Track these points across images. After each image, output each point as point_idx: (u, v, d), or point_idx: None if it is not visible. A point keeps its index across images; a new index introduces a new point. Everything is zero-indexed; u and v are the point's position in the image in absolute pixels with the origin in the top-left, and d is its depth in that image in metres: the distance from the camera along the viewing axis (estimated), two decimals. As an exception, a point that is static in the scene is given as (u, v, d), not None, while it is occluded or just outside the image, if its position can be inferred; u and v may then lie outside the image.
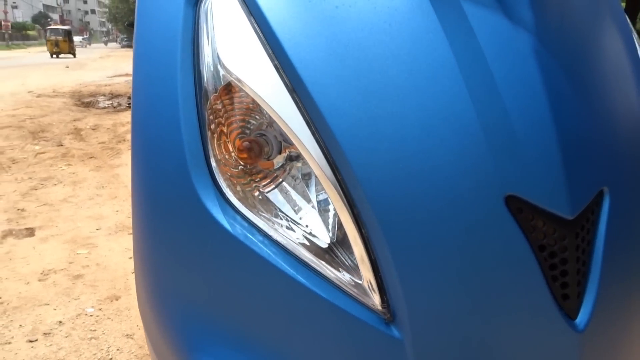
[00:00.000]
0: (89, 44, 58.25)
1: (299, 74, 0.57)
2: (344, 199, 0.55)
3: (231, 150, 0.62)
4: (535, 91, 0.57)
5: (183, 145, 0.62)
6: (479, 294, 0.54)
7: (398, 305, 0.55)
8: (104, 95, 7.65)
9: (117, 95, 7.56)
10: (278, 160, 0.62)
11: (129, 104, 6.94)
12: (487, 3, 0.60)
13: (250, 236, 0.59)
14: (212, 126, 0.62)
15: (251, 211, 0.61)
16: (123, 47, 45.13)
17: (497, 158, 0.54)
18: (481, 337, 0.55)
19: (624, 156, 0.64)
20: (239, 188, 0.62)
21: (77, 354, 1.58)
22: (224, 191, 0.61)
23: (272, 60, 0.59)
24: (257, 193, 0.62)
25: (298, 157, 0.61)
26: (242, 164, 0.61)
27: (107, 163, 3.99)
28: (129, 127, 5.37)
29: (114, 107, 6.71)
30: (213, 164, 0.62)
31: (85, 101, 7.09)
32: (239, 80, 0.60)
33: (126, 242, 2.45)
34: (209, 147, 0.62)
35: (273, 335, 0.59)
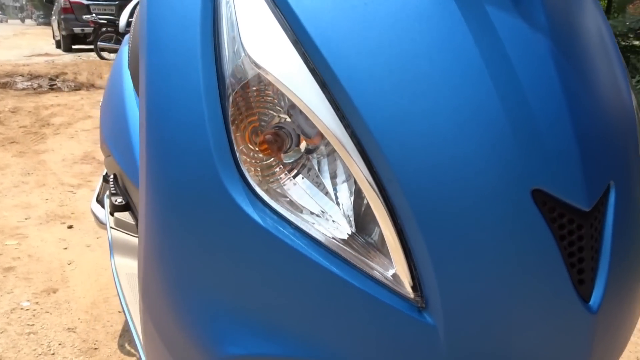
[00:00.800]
0: (7, 21, 54.43)
1: (332, 68, 0.57)
2: (377, 191, 0.56)
3: (256, 142, 0.61)
4: (553, 89, 0.61)
5: (208, 137, 0.60)
6: (507, 281, 0.57)
7: (431, 293, 0.57)
8: (22, 75, 7.14)
9: (37, 76, 7.07)
10: (298, 153, 0.62)
11: (51, 85, 6.53)
12: (505, 6, 0.63)
13: (281, 229, 0.59)
14: (237, 118, 0.61)
15: (279, 204, 0.60)
16: (39, 24, 42.19)
17: (524, 153, 0.57)
18: (508, 321, 0.58)
19: (624, 151, 0.69)
20: (264, 180, 0.61)
21: (15, 350, 1.51)
22: (251, 184, 0.60)
23: (300, 52, 0.59)
24: (282, 185, 0.62)
25: (317, 149, 0.61)
26: (266, 156, 0.61)
27: (32, 148, 3.76)
28: (52, 110, 5.11)
29: (34, 89, 6.30)
30: (238, 156, 0.61)
31: (1, 82, 6.61)
32: (267, 73, 0.58)
33: (59, 232, 2.34)
34: (234, 139, 0.61)
35: (304, 324, 0.60)
